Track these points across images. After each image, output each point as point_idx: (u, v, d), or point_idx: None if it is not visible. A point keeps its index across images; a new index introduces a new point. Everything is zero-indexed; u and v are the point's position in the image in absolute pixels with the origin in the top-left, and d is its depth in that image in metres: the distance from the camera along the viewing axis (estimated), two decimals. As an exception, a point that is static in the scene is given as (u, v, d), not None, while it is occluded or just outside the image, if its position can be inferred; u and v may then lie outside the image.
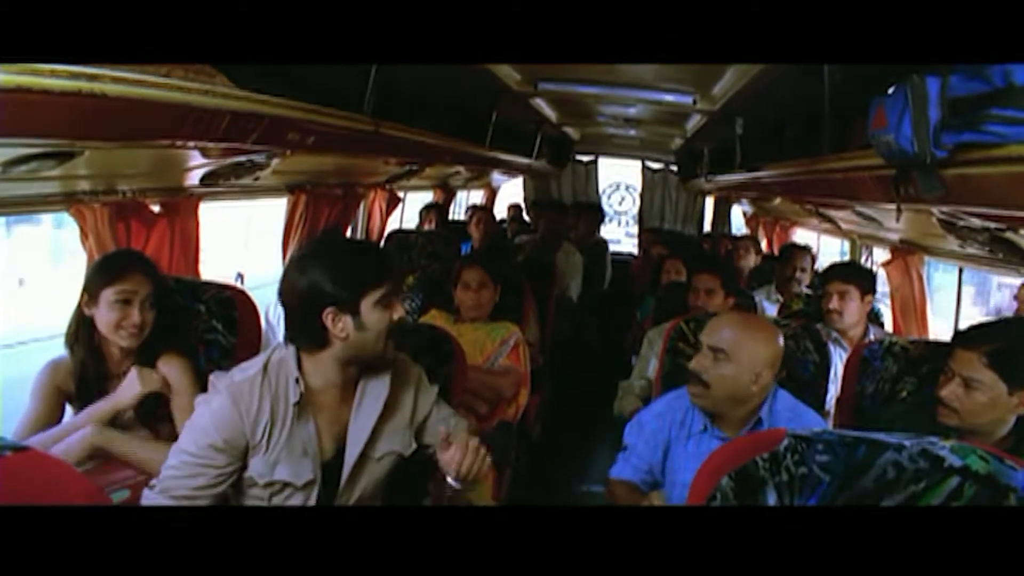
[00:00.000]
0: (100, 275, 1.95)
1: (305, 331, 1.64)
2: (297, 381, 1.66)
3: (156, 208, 2.65)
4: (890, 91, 1.62)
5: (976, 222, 2.05)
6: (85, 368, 1.98)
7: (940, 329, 3.72)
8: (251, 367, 1.69)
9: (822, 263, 5.56)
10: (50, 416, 1.98)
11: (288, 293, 1.65)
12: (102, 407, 1.94)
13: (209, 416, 1.62)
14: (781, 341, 2.00)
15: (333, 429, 1.73)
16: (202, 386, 2.03)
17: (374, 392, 1.76)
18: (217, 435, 1.60)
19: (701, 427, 2.01)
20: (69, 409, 2.03)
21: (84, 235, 2.33)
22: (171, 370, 2.04)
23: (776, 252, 5.50)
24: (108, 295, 1.92)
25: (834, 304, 2.93)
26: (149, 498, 1.61)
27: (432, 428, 1.88)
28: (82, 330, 1.98)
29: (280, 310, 3.02)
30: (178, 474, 1.61)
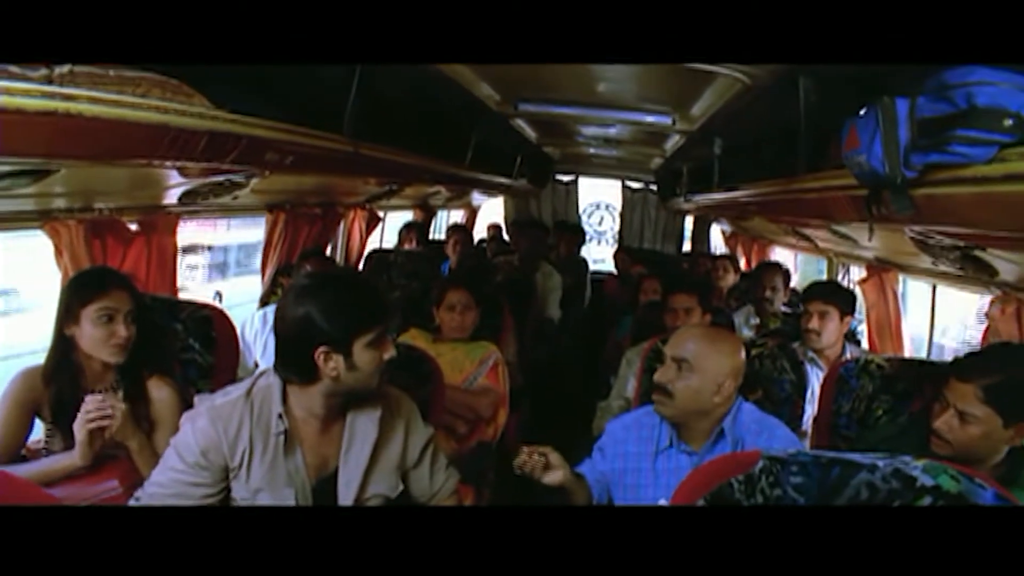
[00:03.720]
0: (79, 294, 1.92)
1: (295, 365, 1.62)
2: (281, 417, 1.64)
3: (133, 226, 2.63)
4: (862, 112, 1.65)
5: (946, 240, 2.08)
6: (62, 394, 1.94)
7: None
8: (234, 391, 1.68)
9: (802, 281, 5.64)
10: (20, 427, 1.95)
11: (282, 325, 1.63)
12: (56, 464, 1.87)
13: (192, 434, 1.62)
14: (743, 354, 2.02)
15: (314, 461, 1.71)
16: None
17: (363, 434, 1.74)
18: (199, 453, 1.61)
19: (667, 442, 2.01)
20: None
21: (59, 252, 2.31)
22: (161, 394, 2.02)
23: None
24: (90, 313, 1.89)
25: (813, 324, 2.92)
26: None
27: (420, 479, 1.88)
28: (63, 355, 1.95)
29: (256, 329, 3.03)
30: (165, 492, 1.62)
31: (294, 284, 1.67)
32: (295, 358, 1.61)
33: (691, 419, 1.98)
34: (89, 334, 1.91)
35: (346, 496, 1.72)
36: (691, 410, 1.95)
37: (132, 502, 1.64)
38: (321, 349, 1.57)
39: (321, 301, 1.57)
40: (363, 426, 1.74)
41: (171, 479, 1.62)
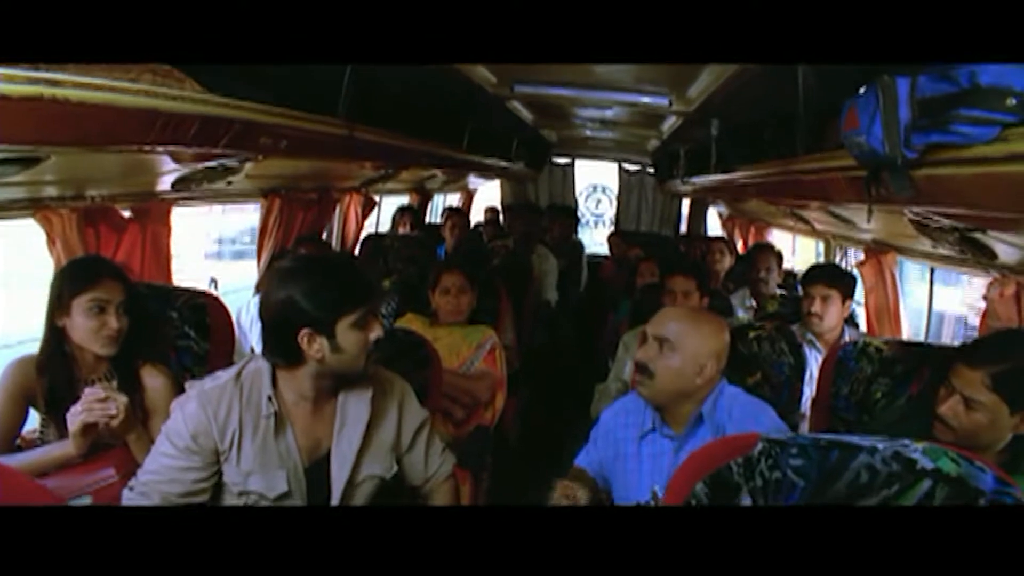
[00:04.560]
0: (70, 284, 1.89)
1: (280, 348, 1.64)
2: (270, 399, 1.66)
3: (127, 213, 2.61)
4: (861, 92, 1.63)
5: (946, 222, 2.07)
6: (56, 385, 1.92)
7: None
8: (223, 376, 1.70)
9: (800, 264, 5.64)
10: (14, 417, 1.93)
11: (265, 308, 1.65)
12: (51, 454, 1.86)
13: (182, 419, 1.64)
14: (727, 336, 2.00)
15: (306, 443, 1.72)
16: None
17: (355, 415, 1.75)
18: (190, 437, 1.62)
19: (650, 425, 1.99)
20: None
21: (51, 241, 2.29)
22: (155, 383, 2.00)
23: (751, 253, 5.53)
24: (81, 303, 1.87)
25: (816, 308, 2.91)
26: (128, 498, 1.64)
27: (415, 463, 1.89)
28: (55, 346, 1.92)
29: (252, 314, 3.02)
30: (157, 479, 1.63)
31: (277, 268, 1.68)
32: (279, 341, 1.63)
33: (673, 401, 1.96)
34: (80, 325, 1.89)
35: (339, 478, 1.73)
36: (672, 391, 1.94)
37: (126, 491, 1.65)
38: (304, 331, 1.58)
39: (302, 283, 1.58)
40: (355, 407, 1.75)
41: (163, 465, 1.63)
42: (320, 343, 1.60)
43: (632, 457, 2.00)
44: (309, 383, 1.67)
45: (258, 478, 1.66)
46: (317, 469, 1.73)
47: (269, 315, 1.63)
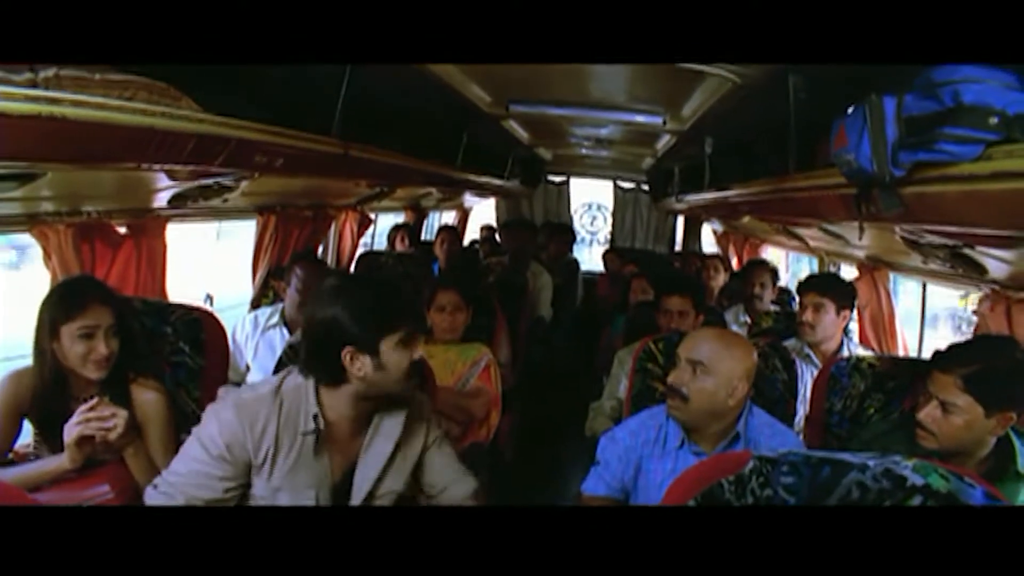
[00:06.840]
0: (58, 311, 1.87)
1: (323, 366, 1.64)
2: (316, 417, 1.65)
3: (122, 229, 2.61)
4: (850, 111, 1.65)
5: (936, 239, 2.08)
6: (49, 403, 1.91)
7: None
8: (262, 387, 1.70)
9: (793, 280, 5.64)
10: (8, 430, 1.92)
11: (309, 325, 1.65)
12: (45, 467, 1.85)
13: (217, 426, 1.62)
14: (755, 355, 2.03)
15: (340, 462, 1.73)
16: (176, 413, 2.00)
17: (387, 431, 1.76)
18: (224, 446, 1.61)
19: (677, 443, 2.01)
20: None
21: (47, 256, 2.29)
22: (147, 397, 2.00)
23: (745, 270, 5.53)
24: (70, 331, 1.86)
25: (808, 316, 2.91)
26: (152, 496, 1.62)
27: (435, 474, 1.88)
28: (47, 366, 1.90)
29: (247, 331, 3.02)
30: (185, 482, 1.61)
31: (321, 287, 1.67)
32: (323, 359, 1.63)
33: (704, 421, 1.99)
34: (70, 351, 1.87)
35: (360, 490, 1.73)
36: (705, 412, 1.97)
37: (150, 489, 1.64)
38: (347, 349, 1.59)
39: (347, 302, 1.59)
40: (388, 424, 1.76)
41: (192, 470, 1.62)
42: (363, 361, 1.60)
43: (655, 474, 2.02)
44: (351, 402, 1.68)
45: (286, 495, 1.66)
46: (343, 483, 1.73)
47: (313, 333, 1.64)
